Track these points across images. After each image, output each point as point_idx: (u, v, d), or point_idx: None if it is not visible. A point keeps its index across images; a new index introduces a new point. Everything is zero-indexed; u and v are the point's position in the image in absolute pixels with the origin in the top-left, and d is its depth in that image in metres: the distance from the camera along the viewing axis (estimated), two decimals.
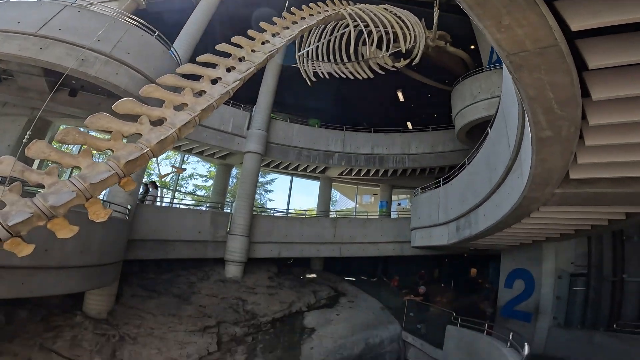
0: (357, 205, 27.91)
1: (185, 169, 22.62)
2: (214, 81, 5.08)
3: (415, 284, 16.83)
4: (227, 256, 15.34)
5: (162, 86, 4.59)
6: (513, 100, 6.19)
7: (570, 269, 12.72)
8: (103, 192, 12.92)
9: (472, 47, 18.81)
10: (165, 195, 22.26)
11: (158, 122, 4.29)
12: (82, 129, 3.87)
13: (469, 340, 10.61)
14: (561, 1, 2.91)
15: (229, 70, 5.35)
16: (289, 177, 23.28)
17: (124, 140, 4.01)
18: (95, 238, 8.96)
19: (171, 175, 22.13)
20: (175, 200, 21.19)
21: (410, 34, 11.08)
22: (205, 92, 4.87)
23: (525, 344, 6.30)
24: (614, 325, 10.36)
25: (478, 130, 15.20)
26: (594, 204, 7.31)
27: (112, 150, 3.99)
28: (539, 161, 5.37)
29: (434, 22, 13.92)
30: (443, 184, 14.45)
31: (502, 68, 13.99)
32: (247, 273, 15.84)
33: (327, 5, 9.50)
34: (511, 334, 8.45)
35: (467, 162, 12.29)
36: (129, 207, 11.57)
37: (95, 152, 4.11)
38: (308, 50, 11.19)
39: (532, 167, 5.62)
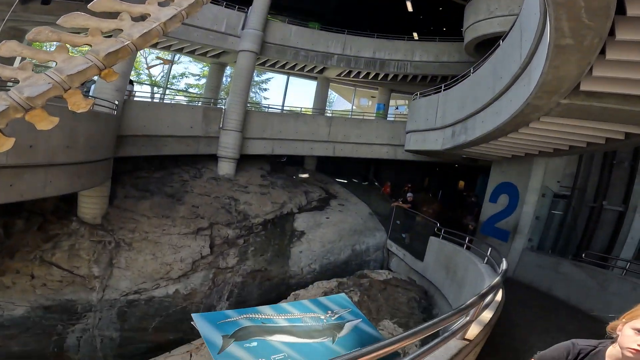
0: (354, 107, 27.39)
1: (172, 61, 21.56)
2: None
3: (404, 191, 17.11)
4: (220, 152, 15.29)
5: None
6: (535, 11, 6.00)
7: (555, 188, 12.66)
8: (90, 89, 12.53)
9: None
10: (156, 93, 21.57)
11: (141, 19, 3.88)
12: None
13: (449, 253, 10.88)
14: None
15: None
16: (285, 77, 22.53)
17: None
18: (81, 132, 8.65)
19: (159, 67, 21.17)
20: (167, 99, 20.56)
21: None
22: None
23: (504, 260, 6.23)
24: (583, 255, 10.27)
25: (487, 45, 14.37)
26: (597, 119, 7.13)
27: (90, 45, 3.62)
28: (552, 68, 5.19)
29: None
30: (444, 90, 14.04)
31: None
32: (239, 171, 15.93)
33: None
34: (489, 249, 8.59)
35: (471, 71, 11.81)
36: (116, 102, 11.10)
37: (71, 47, 3.79)
38: None
39: (542, 74, 5.46)
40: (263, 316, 3.35)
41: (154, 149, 13.40)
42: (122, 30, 3.69)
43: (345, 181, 19.97)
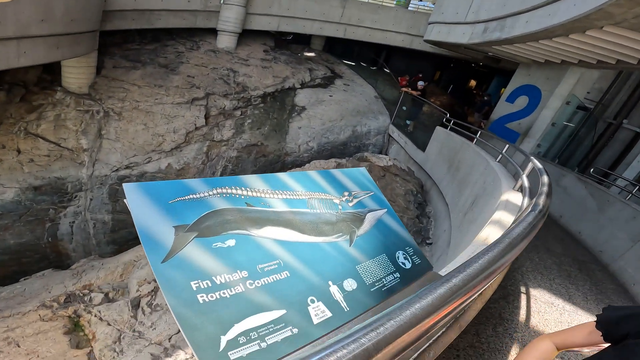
0: None
1: None
2: None
3: (414, 81, 16.06)
4: (220, 26, 13.95)
5: None
6: None
7: (581, 97, 11.96)
8: None
9: None
10: None
11: None
12: None
13: (455, 146, 10.36)
14: None
15: None
16: None
17: None
18: (57, 6, 8.03)
19: None
20: None
21: None
22: None
23: (532, 161, 5.22)
24: (591, 170, 9.85)
25: None
26: None
27: None
28: None
29: None
30: None
31: None
32: (240, 45, 14.70)
33: None
34: (506, 146, 7.90)
35: None
36: None
37: None
38: None
39: None
40: (248, 193, 2.00)
41: (146, 22, 12.07)
42: None
43: (353, 64, 18.65)
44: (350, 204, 2.49)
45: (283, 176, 2.31)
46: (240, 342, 1.43)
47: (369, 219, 2.51)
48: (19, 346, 5.83)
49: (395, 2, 20.32)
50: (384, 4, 18.90)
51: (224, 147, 11.77)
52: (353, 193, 2.59)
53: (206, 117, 11.65)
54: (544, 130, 12.18)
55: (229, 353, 1.38)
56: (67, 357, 5.76)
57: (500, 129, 13.38)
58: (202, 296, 1.47)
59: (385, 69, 19.61)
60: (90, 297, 6.99)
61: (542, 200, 2.95)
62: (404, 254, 2.40)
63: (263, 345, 1.47)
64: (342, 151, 13.78)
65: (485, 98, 16.42)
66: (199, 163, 11.23)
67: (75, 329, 6.31)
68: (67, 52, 8.90)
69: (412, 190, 10.06)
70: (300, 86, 14.46)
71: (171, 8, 12.60)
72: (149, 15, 12.11)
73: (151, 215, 1.60)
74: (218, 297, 1.51)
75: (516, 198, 5.10)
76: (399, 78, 16.95)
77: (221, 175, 11.61)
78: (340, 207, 2.42)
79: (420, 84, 14.53)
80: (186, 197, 1.76)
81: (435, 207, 10.42)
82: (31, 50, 7.72)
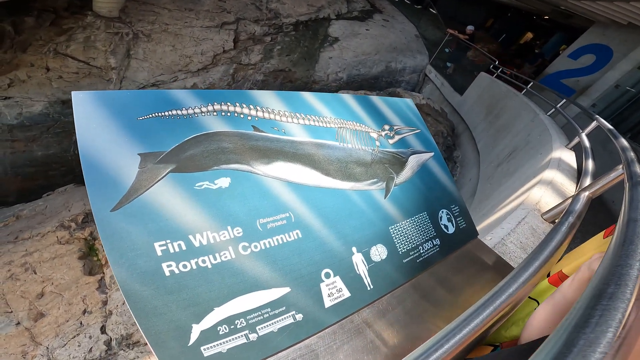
0: None
1: None
2: None
3: (464, 25, 14.78)
4: None
5: None
6: None
7: None
8: None
9: None
10: None
11: None
12: None
13: (498, 94, 9.55)
14: None
15: None
16: None
17: None
18: None
19: None
20: None
21: None
22: None
23: (598, 119, 4.60)
24: None
25: None
26: None
27: None
28: None
29: None
30: None
31: None
32: None
33: None
34: (562, 100, 7.11)
35: None
36: None
37: None
38: None
39: None
40: (258, 113, 1.39)
41: None
42: None
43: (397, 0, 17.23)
44: (391, 141, 1.89)
45: (308, 96, 1.68)
46: (220, 332, 0.97)
47: (412, 163, 1.90)
48: (35, 273, 5.71)
49: None
50: None
51: (251, 70, 11.49)
52: (395, 128, 1.96)
53: (235, 41, 11.30)
54: (605, 91, 11.36)
55: (201, 348, 0.93)
56: (80, 284, 5.67)
57: (554, 83, 12.47)
58: (171, 265, 0.97)
59: (432, 9, 18.09)
60: None
61: (638, 168, 2.08)
62: (448, 214, 1.83)
63: (252, 337, 1.01)
64: (372, 85, 13.17)
65: (537, 51, 15.28)
66: (225, 84, 11.08)
67: (89, 253, 6.23)
68: None
69: (443, 132, 9.41)
70: (335, 17, 13.65)
71: None
72: None
73: (106, 137, 1.04)
74: (194, 267, 1.00)
75: (570, 158, 4.53)
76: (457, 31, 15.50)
77: None
78: (378, 143, 1.80)
79: (470, 28, 13.36)
80: (166, 113, 1.17)
81: (465, 152, 9.77)
82: None
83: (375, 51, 13.26)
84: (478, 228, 1.95)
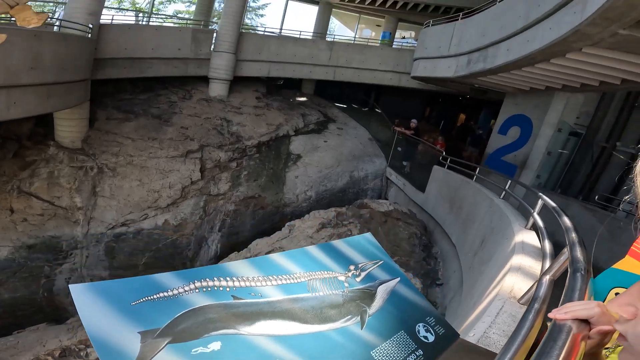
0: (356, 37, 25.57)
1: None
2: None
3: (407, 119, 16.27)
4: (211, 74, 14.08)
5: None
6: None
7: (572, 124, 12.00)
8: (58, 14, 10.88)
9: None
10: (141, 20, 19.52)
11: None
12: None
13: (454, 185, 10.26)
14: None
15: None
16: (283, 0, 20.54)
17: None
18: (47, 53, 8.03)
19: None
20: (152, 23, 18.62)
21: None
22: None
23: (542, 198, 5.10)
24: (596, 198, 9.72)
25: None
26: None
27: None
28: None
29: None
30: (462, 18, 12.84)
31: None
32: (232, 92, 14.80)
33: None
34: (508, 182, 7.91)
35: (498, 1, 10.69)
36: (90, 25, 10.04)
37: None
38: None
39: None
40: (235, 283, 1.55)
41: (137, 70, 12.22)
42: None
43: (345, 106, 18.90)
44: (358, 279, 2.01)
45: (276, 257, 1.87)
46: None
47: (381, 292, 2.03)
48: None
49: (380, 41, 21.10)
50: (369, 43, 19.55)
51: (221, 200, 11.62)
52: (360, 265, 2.15)
53: (201, 170, 11.54)
54: (541, 160, 12.10)
55: None
56: None
57: (497, 162, 13.33)
58: None
59: (377, 110, 19.90)
60: (87, 352, 6.67)
61: (579, 253, 2.27)
62: (424, 326, 1.99)
63: None
64: (340, 198, 13.62)
65: (480, 132, 16.63)
66: (197, 218, 11.05)
67: None
68: (59, 103, 8.85)
69: (416, 233, 9.88)
70: (294, 133, 14.49)
71: (162, 56, 12.77)
72: (140, 63, 12.26)
73: (109, 322, 1.21)
74: None
75: (532, 238, 4.93)
76: (394, 124, 17.02)
77: (219, 229, 11.46)
78: (346, 284, 2.01)
79: (413, 121, 14.75)
80: (154, 296, 1.41)
81: (442, 247, 10.21)
82: (21, 100, 7.57)
83: (337, 162, 13.99)
84: (467, 322, 2.17)
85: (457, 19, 13.09)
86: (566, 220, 3.49)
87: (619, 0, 4.50)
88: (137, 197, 10.39)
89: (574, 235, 2.82)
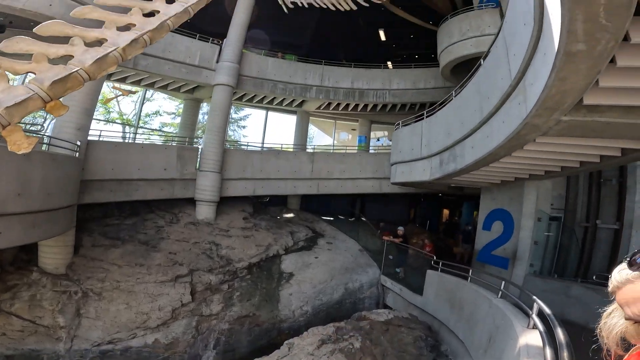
0: (335, 142, 27.29)
1: (135, 92, 20.52)
2: (171, 0, 4.06)
3: (394, 224, 16.65)
4: (198, 195, 14.45)
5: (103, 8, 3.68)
6: (525, 21, 5.78)
7: (549, 211, 12.54)
8: (47, 128, 11.46)
9: None
10: (127, 133, 20.81)
11: (97, 45, 3.38)
12: None
13: (451, 287, 10.29)
14: None
15: None
16: (264, 112, 22.40)
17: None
18: (35, 178, 7.75)
19: (125, 98, 20.30)
20: (139, 139, 19.79)
21: None
22: (158, 12, 3.90)
23: (537, 302, 5.42)
24: (594, 277, 9.88)
25: (462, 69, 15.20)
26: (597, 136, 6.87)
27: (34, 73, 3.11)
28: (558, 80, 4.78)
29: None
30: (427, 117, 13.84)
31: (495, 7, 14.24)
32: (220, 214, 15.09)
33: None
34: (503, 282, 7.92)
35: (454, 95, 11.63)
36: (78, 143, 10.34)
37: (12, 76, 3.22)
38: None
39: (546, 87, 5.04)
40: None
41: (124, 194, 12.49)
42: (72, 56, 3.16)
43: (332, 218, 19.38)
44: None
45: None
46: None
47: None
48: None
49: (357, 146, 22.46)
50: (347, 150, 20.74)
51: (214, 320, 11.12)
52: None
53: (192, 293, 11.23)
54: (530, 251, 12.28)
55: None
56: None
57: (488, 256, 13.45)
58: None
59: (363, 219, 20.39)
60: None
61: None
62: None
63: None
64: (337, 310, 13.21)
65: (469, 227, 17.01)
66: (189, 337, 10.48)
67: None
68: (44, 232, 8.40)
69: (421, 335, 9.50)
70: (284, 252, 14.49)
71: (149, 177, 13.05)
72: (126, 185, 12.45)
73: None
74: None
75: (535, 339, 5.02)
76: (381, 233, 17.40)
77: (214, 347, 10.81)
78: None
79: (400, 228, 15.18)
80: None
81: (450, 344, 9.77)
82: (7, 230, 7.05)
83: (331, 277, 13.84)
84: None
85: (423, 117, 14.13)
86: (560, 335, 3.82)
87: (552, 89, 5.00)
88: (124, 318, 9.99)
89: (565, 354, 3.20)
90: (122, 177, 12.35)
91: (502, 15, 12.79)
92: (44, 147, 9.50)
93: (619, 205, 11.67)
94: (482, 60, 9.38)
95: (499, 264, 12.64)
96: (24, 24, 9.55)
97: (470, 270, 9.94)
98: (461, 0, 17.80)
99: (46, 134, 10.13)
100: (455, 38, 15.43)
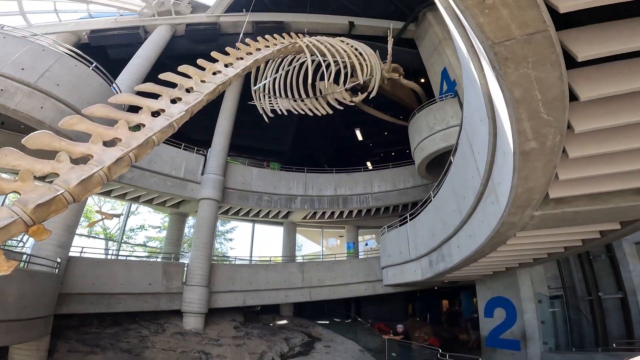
0: (324, 249, 27.11)
1: (119, 215, 20.54)
2: (156, 114, 4.33)
3: (391, 320, 16.06)
4: (185, 307, 13.97)
5: (91, 118, 3.86)
6: (480, 117, 5.79)
7: (547, 292, 12.59)
8: (26, 242, 11.35)
9: (422, 80, 19.62)
10: (111, 248, 20.51)
11: (82, 160, 3.52)
12: None
13: None
14: None
15: (174, 101, 4.62)
16: (250, 224, 22.42)
17: (37, 181, 3.23)
18: (11, 292, 8.00)
19: (100, 223, 20.26)
20: (123, 252, 19.45)
21: (367, 65, 10.98)
22: (144, 125, 4.12)
23: None
24: (614, 345, 9.93)
25: (438, 163, 15.42)
26: (571, 225, 7.11)
27: (19, 193, 3.20)
28: (521, 180, 5.00)
29: (389, 53, 14.17)
30: (410, 220, 14.17)
31: (454, 97, 14.60)
32: (209, 324, 14.43)
33: (283, 38, 9.07)
34: None
35: (432, 196, 12.09)
36: (59, 260, 10.38)
37: None
38: (265, 85, 10.77)
39: (512, 188, 5.24)
40: None
41: (106, 306, 12.08)
42: (58, 174, 3.28)
43: (327, 322, 18.55)
44: None
45: None
46: None
47: None
48: None
49: (346, 253, 22.28)
50: (337, 258, 20.54)
51: None
52: None
53: None
54: (540, 331, 12.03)
55: None
56: None
57: (496, 341, 13.07)
58: None
59: (359, 320, 19.61)
60: None
61: None
62: None
63: None
64: None
65: (476, 315, 16.62)
66: None
67: None
68: (17, 338, 8.36)
69: None
70: (280, 358, 13.68)
71: (132, 291, 12.69)
72: (108, 298, 12.03)
73: None
74: None
75: None
76: (374, 325, 16.84)
77: None
78: None
79: (400, 326, 14.73)
80: None
81: None
82: None
83: None
84: None
85: (407, 220, 14.39)
86: None
87: (518, 189, 5.22)
88: None
89: None
90: (104, 291, 12.08)
91: (461, 105, 13.19)
92: (22, 264, 9.56)
93: (616, 276, 11.93)
94: (452, 157, 9.79)
95: (510, 347, 12.34)
96: (14, 126, 9.93)
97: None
98: (424, 93, 18.68)
99: (26, 249, 10.09)
100: (425, 133, 15.59)
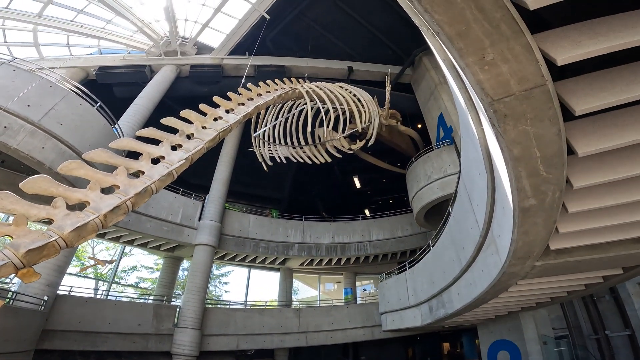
0: (321, 293, 26.50)
1: (112, 262, 20.09)
2: (156, 161, 4.31)
3: None
4: (175, 349, 13.51)
5: (91, 164, 3.83)
6: (479, 171, 5.76)
7: (551, 333, 12.53)
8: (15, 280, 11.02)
9: (419, 125, 19.85)
10: (101, 287, 19.93)
11: (79, 206, 3.47)
12: None
13: None
14: (544, 33, 2.72)
15: (174, 148, 4.62)
16: (246, 269, 22.09)
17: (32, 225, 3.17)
18: None
19: (92, 268, 19.78)
20: (113, 292, 18.87)
21: (365, 112, 11.11)
22: (143, 172, 4.07)
23: None
24: None
25: (436, 211, 15.34)
26: (572, 272, 7.08)
27: (12, 238, 3.16)
28: (521, 234, 4.94)
29: (387, 99, 14.30)
30: (409, 268, 14.04)
31: (450, 145, 14.64)
32: None
33: (284, 83, 9.22)
34: None
35: (431, 245, 12.03)
36: (45, 298, 10.26)
37: None
38: (265, 132, 10.83)
39: (513, 241, 5.19)
40: None
41: (91, 344, 11.70)
42: (53, 220, 3.22)
43: None
44: None
45: None
46: None
47: None
48: None
49: (343, 299, 21.75)
50: (334, 303, 20.05)
51: None
52: None
53: None
54: None
55: None
56: None
57: None
58: None
59: None
60: None
61: None
62: None
63: None
64: None
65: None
66: None
67: None
68: None
69: None
70: None
71: (120, 331, 12.31)
72: (94, 337, 11.65)
73: None
74: None
75: None
76: None
77: None
78: None
79: None
80: None
81: None
82: None
83: None
84: None
85: (406, 268, 14.22)
86: None
87: (518, 242, 5.16)
88: None
89: None
90: (90, 329, 11.75)
91: (458, 153, 13.16)
92: (8, 301, 9.44)
93: (622, 315, 12.02)
94: (450, 208, 9.79)
95: None
96: (13, 165, 9.72)
97: None
98: (421, 140, 18.68)
99: (13, 285, 9.92)
100: (422, 182, 15.38)
